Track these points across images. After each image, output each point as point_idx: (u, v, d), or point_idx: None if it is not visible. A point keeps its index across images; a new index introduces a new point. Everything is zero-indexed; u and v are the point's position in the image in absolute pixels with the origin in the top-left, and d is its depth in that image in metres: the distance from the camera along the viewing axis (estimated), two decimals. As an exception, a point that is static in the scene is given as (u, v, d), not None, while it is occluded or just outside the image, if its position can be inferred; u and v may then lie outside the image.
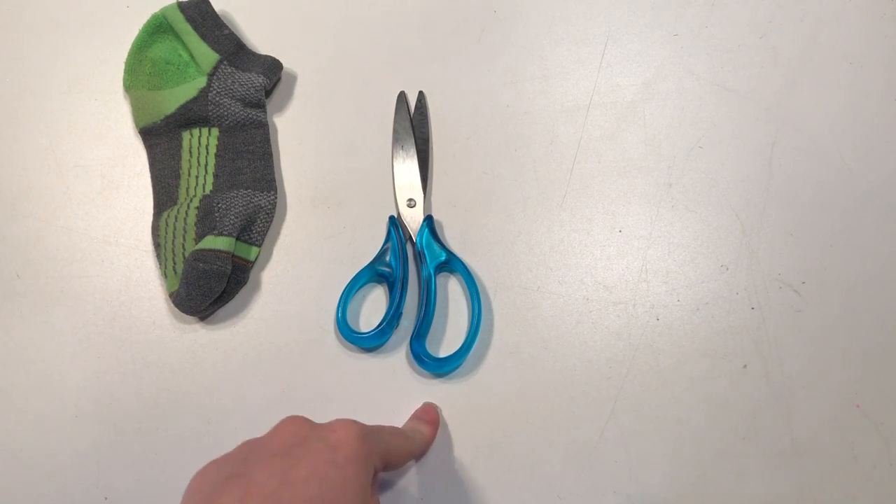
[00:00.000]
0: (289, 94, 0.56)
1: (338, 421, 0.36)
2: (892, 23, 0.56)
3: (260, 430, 0.47)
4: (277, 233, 0.52)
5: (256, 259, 0.51)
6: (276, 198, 0.52)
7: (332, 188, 0.53)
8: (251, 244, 0.50)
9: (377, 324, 0.47)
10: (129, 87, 0.55)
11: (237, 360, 0.49)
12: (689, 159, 0.53)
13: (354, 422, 0.36)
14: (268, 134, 0.54)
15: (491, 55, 0.56)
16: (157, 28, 0.55)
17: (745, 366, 0.47)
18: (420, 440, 0.44)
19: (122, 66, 0.56)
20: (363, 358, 0.48)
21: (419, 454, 0.45)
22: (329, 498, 0.32)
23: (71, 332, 0.50)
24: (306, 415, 0.47)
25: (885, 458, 0.45)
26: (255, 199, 0.51)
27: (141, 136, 0.54)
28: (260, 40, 0.58)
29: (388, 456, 0.38)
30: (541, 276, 0.50)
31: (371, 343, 0.48)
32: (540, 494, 0.45)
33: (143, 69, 0.55)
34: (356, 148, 0.54)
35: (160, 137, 0.53)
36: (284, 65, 0.56)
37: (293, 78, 0.56)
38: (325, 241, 0.52)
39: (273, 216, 0.51)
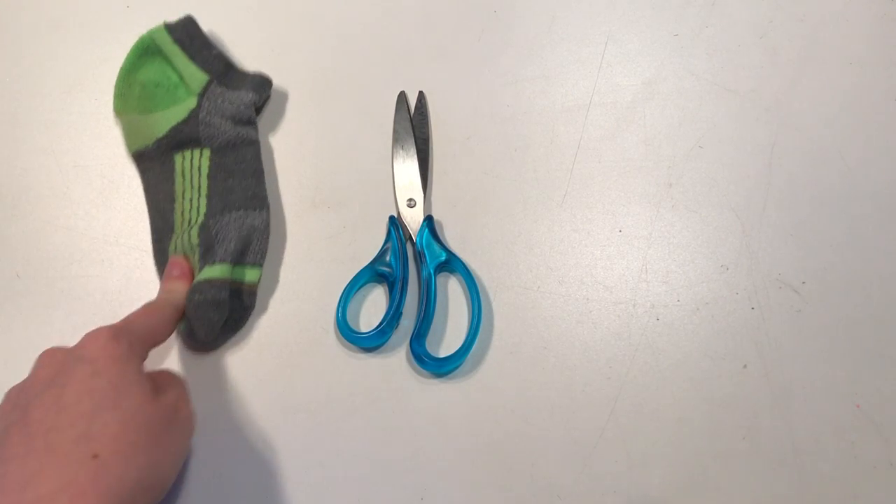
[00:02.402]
0: (289, 94, 0.56)
1: (86, 335, 0.38)
2: (892, 23, 0.56)
3: (259, 430, 0.47)
4: (277, 233, 0.52)
5: (260, 280, 0.49)
6: (269, 215, 0.51)
7: (332, 188, 0.53)
8: (252, 265, 0.49)
9: (377, 324, 0.47)
10: (119, 112, 0.54)
11: (237, 359, 0.49)
12: (689, 159, 0.53)
13: (103, 327, 0.38)
14: (259, 151, 0.53)
15: (491, 55, 0.56)
16: (146, 50, 0.54)
17: (745, 366, 0.47)
18: (176, 299, 0.45)
19: (122, 67, 0.56)
20: (363, 358, 0.48)
21: (182, 311, 0.46)
22: (105, 405, 0.34)
23: (71, 332, 0.50)
24: (308, 415, 0.47)
25: (885, 458, 0.45)
26: (249, 219, 0.50)
27: (134, 160, 0.53)
28: (256, 42, 0.58)
29: (152, 336, 0.41)
30: (541, 276, 0.50)
31: (371, 343, 0.48)
32: (540, 494, 0.45)
33: (132, 93, 0.54)
34: (356, 148, 0.54)
35: (153, 161, 0.53)
36: (284, 65, 0.56)
37: (293, 77, 0.56)
38: (325, 241, 0.52)
39: (268, 234, 0.50)
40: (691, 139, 0.53)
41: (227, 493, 0.45)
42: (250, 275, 0.49)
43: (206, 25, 0.56)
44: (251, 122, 0.53)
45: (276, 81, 0.56)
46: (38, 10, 0.59)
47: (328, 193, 0.53)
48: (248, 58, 0.57)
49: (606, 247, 0.51)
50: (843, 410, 0.46)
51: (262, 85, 0.54)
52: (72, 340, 0.49)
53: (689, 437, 0.46)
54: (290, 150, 0.54)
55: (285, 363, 0.48)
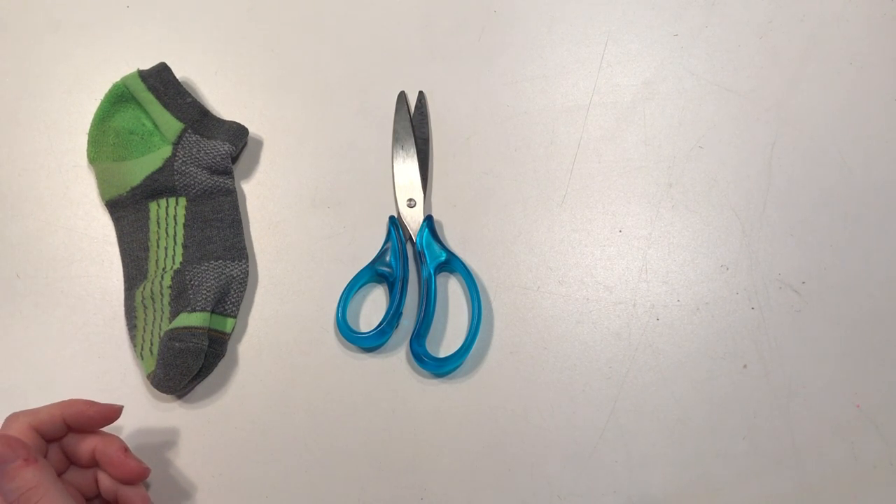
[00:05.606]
0: (288, 93, 0.56)
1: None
2: (892, 23, 0.56)
3: (259, 429, 0.47)
4: (278, 233, 0.52)
5: (233, 330, 0.49)
6: (248, 266, 0.51)
7: (332, 188, 0.53)
8: (226, 316, 0.49)
9: (377, 324, 0.47)
10: (93, 160, 0.53)
11: (237, 359, 0.49)
12: (689, 159, 0.53)
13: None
14: (236, 201, 0.52)
15: (491, 55, 0.56)
16: (119, 98, 0.53)
17: (745, 366, 0.47)
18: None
19: (122, 67, 0.56)
20: (363, 358, 0.48)
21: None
22: None
23: (71, 332, 0.50)
24: (308, 415, 0.47)
25: (885, 458, 0.45)
26: (227, 269, 0.50)
27: (107, 208, 0.53)
28: (256, 41, 0.58)
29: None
30: (541, 276, 0.50)
31: (371, 343, 0.48)
32: (540, 494, 0.45)
33: (106, 140, 0.53)
34: (356, 148, 0.54)
35: (127, 209, 0.52)
36: (285, 64, 0.56)
37: (292, 75, 0.56)
38: (325, 241, 0.52)
39: (246, 285, 0.50)
40: (691, 139, 0.53)
41: (228, 493, 0.45)
42: (225, 324, 0.49)
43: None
44: (227, 173, 0.52)
45: (277, 83, 0.56)
46: (38, 10, 0.59)
47: (328, 193, 0.53)
48: (248, 55, 0.57)
49: (606, 247, 0.51)
50: (843, 410, 0.46)
51: (237, 134, 0.53)
52: (72, 340, 0.50)
53: (689, 437, 0.46)
54: (290, 150, 0.54)
55: (285, 363, 0.48)
